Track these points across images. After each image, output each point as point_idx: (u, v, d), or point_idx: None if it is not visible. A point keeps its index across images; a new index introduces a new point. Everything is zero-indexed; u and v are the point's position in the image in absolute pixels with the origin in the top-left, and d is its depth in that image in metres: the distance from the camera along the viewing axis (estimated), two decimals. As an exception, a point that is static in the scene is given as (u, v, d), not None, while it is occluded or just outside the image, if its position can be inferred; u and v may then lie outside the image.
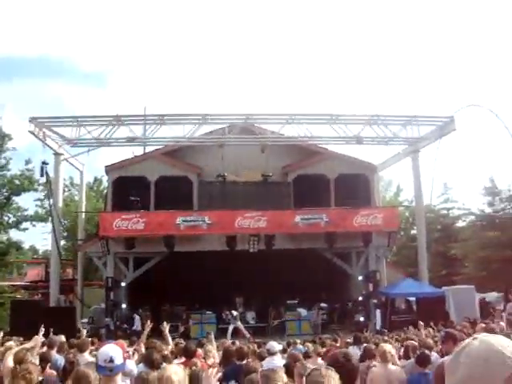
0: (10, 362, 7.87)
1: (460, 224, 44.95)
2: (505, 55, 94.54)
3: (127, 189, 24.51)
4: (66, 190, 41.99)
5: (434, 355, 8.05)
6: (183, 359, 8.65)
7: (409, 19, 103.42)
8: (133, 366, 7.66)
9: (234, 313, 23.21)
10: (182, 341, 13.49)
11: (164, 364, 5.26)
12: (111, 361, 4.47)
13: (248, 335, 21.66)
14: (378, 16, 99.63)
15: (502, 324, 13.95)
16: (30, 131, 24.41)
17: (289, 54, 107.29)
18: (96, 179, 50.35)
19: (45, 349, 11.88)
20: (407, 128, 26.84)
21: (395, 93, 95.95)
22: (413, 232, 40.21)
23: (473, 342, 1.50)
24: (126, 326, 23.22)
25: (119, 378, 4.62)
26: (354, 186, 25.62)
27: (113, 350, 4.57)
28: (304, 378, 3.23)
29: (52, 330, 15.62)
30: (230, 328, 22.52)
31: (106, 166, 26.84)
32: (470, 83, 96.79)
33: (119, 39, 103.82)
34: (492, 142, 73.63)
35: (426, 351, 7.86)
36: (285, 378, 4.05)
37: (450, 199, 44.63)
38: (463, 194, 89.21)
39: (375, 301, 24.41)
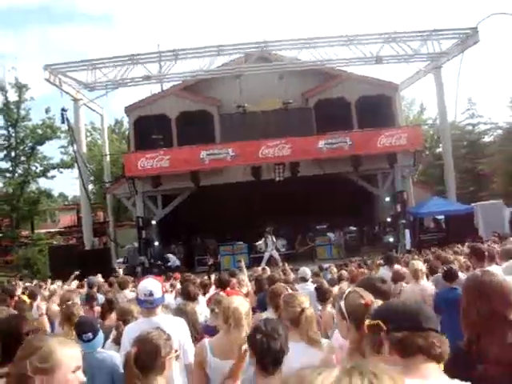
0: (55, 304, 8.13)
1: (487, 139, 44.36)
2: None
3: (149, 128, 24.46)
4: (89, 134, 42.21)
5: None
6: (218, 290, 8.81)
7: None
8: (171, 300, 7.87)
9: (273, 238, 23.37)
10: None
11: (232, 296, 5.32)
12: (151, 294, 4.63)
13: (281, 263, 21.96)
14: None
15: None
16: (45, 79, 24.37)
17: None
18: (117, 121, 50.50)
19: (85, 289, 12.32)
20: (428, 43, 26.10)
21: (413, 7, 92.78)
22: (438, 150, 39.80)
23: None
24: (160, 262, 23.66)
25: (159, 310, 4.77)
26: (376, 107, 25.18)
27: (152, 284, 4.72)
28: (342, 302, 3.21)
29: (89, 271, 16.19)
30: (266, 256, 22.81)
31: (126, 107, 26.76)
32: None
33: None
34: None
35: (453, 266, 7.89)
36: (306, 302, 4.07)
37: (476, 114, 43.84)
38: (489, 108, 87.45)
39: (404, 221, 24.39)
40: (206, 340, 4.22)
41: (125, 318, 5.05)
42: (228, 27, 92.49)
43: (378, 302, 3.02)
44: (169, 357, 3.32)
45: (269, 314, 5.35)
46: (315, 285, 8.66)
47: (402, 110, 31.08)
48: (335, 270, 13.82)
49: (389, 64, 27.13)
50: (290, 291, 5.09)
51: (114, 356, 4.40)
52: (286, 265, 15.47)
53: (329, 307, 6.88)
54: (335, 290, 7.99)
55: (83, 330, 4.55)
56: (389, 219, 25.08)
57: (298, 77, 25.78)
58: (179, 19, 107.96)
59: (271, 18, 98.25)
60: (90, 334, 4.52)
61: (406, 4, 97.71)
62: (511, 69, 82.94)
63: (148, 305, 4.66)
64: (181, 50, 25.06)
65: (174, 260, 23.95)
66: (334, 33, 29.12)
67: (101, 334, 4.71)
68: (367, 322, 2.27)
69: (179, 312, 5.86)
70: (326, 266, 15.57)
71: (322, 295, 7.12)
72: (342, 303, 3.18)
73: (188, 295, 7.21)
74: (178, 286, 10.90)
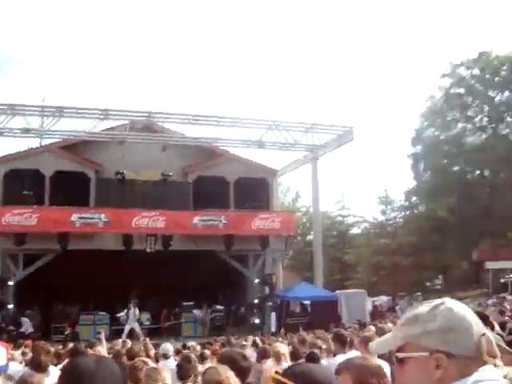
0: None
1: (354, 231, 46.75)
2: (404, 71, 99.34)
3: (20, 182, 23.40)
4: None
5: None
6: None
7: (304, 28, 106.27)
8: (18, 368, 7.28)
9: (136, 311, 22.59)
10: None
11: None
12: None
13: (142, 336, 21.25)
14: (280, 22, 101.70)
15: (390, 325, 14.52)
16: None
17: (191, 53, 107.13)
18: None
19: None
20: (308, 135, 27.43)
21: (297, 99, 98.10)
22: (309, 237, 41.29)
23: (445, 302, 1.63)
24: (12, 327, 22.05)
25: (0, 380, 4.36)
26: (254, 190, 25.92)
27: None
28: (199, 378, 3.19)
29: None
30: (127, 328, 21.98)
31: (-2, 157, 25.48)
32: (369, 98, 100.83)
33: (17, 24, 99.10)
34: (387, 154, 77.24)
35: (316, 350, 8.05)
36: (168, 379, 3.96)
37: (346, 207, 46.33)
38: (358, 202, 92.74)
39: (271, 303, 24.73)
40: None
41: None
42: (115, 92, 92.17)
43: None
44: None
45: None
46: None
47: (278, 195, 32.09)
48: (198, 348, 13.57)
49: (270, 150, 28.16)
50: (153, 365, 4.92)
51: None
52: (148, 339, 15.01)
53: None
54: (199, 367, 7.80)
55: None
56: (256, 301, 25.29)
57: (181, 151, 26.05)
58: (67, 76, 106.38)
59: (159, 89, 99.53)
60: None
61: (290, 94, 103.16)
62: (381, 169, 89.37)
63: None
64: (65, 108, 24.47)
65: (27, 326, 22.40)
66: (220, 113, 29.91)
67: None
68: (273, 373, 2.22)
69: (23, 382, 5.45)
70: (189, 343, 15.26)
71: (183, 372, 6.92)
72: (200, 379, 3.16)
73: (38, 365, 6.74)
74: (30, 354, 10.21)
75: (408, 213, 40.88)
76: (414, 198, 40.22)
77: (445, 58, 44.24)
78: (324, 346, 10.04)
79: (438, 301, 1.66)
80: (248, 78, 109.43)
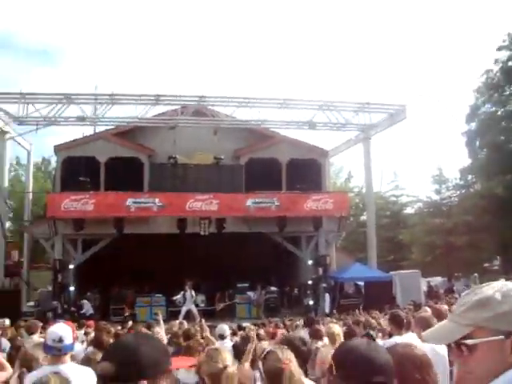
0: None
1: (408, 211, 46.05)
2: (456, 47, 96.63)
3: (76, 169, 23.92)
4: (12, 170, 40.85)
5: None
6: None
7: (363, 3, 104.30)
8: (80, 348, 7.51)
9: (192, 293, 22.93)
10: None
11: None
12: (60, 340, 4.30)
13: (198, 318, 21.58)
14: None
15: (446, 307, 14.29)
16: (-28, 107, 23.59)
17: (243, 36, 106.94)
18: (44, 159, 49.23)
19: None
20: (359, 115, 27.12)
21: (349, 79, 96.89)
22: (362, 218, 40.88)
23: (507, 284, 1.60)
24: (74, 309, 22.77)
25: (68, 358, 4.44)
26: (306, 171, 25.76)
27: (62, 330, 4.39)
28: (260, 362, 3.17)
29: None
30: (183, 310, 22.36)
31: (55, 146, 26.15)
32: (422, 75, 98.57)
33: (69, 16, 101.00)
34: (441, 131, 75.42)
35: (371, 331, 7.99)
36: (229, 360, 3.96)
37: (399, 186, 45.60)
38: (412, 181, 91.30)
39: (324, 285, 24.70)
40: None
41: (28, 364, 4.72)
42: (167, 77, 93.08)
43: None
44: None
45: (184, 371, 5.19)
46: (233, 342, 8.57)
47: (330, 175, 31.88)
48: (253, 329, 13.67)
49: (321, 130, 27.94)
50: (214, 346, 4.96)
51: None
52: (203, 321, 15.22)
53: (246, 365, 6.74)
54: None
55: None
56: (310, 282, 25.30)
57: (232, 134, 26.10)
58: (119, 64, 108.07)
59: (209, 73, 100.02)
60: None
61: (342, 74, 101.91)
62: (434, 147, 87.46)
63: (56, 352, 4.30)
64: (118, 95, 24.91)
65: (88, 307, 23.14)
66: (271, 95, 29.76)
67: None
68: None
69: (87, 361, 5.60)
70: (244, 324, 15.41)
71: (239, 353, 7.00)
72: (260, 364, 3.15)
73: (100, 344, 6.95)
74: (92, 334, 10.51)
75: (463, 191, 39.91)
76: (470, 177, 39.25)
77: (501, 29, 42.62)
78: (379, 327, 10.00)
79: (499, 283, 1.61)
80: (298, 58, 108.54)
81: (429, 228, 37.79)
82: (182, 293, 22.99)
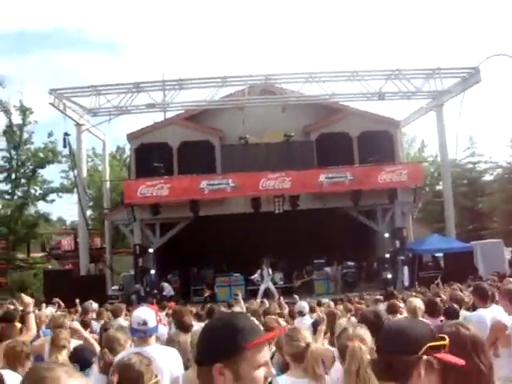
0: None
1: (487, 178, 44.44)
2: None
3: (150, 156, 24.53)
4: (90, 160, 42.26)
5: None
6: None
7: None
8: (163, 330, 7.72)
9: (269, 271, 23.14)
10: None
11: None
12: (144, 323, 4.48)
13: (277, 295, 21.77)
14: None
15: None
16: (50, 103, 24.51)
17: (306, 10, 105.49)
18: (118, 148, 50.64)
19: (77, 316, 12.19)
20: (430, 81, 26.33)
21: (417, 45, 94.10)
22: (438, 187, 39.87)
23: None
24: (156, 291, 23.43)
25: (153, 339, 4.61)
26: (378, 143, 25.29)
27: (146, 313, 4.58)
28: (335, 341, 3.18)
29: (84, 297, 16.08)
30: (261, 288, 22.60)
31: (128, 134, 26.84)
32: (494, 32, 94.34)
33: (132, 6, 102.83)
34: (517, 93, 71.92)
35: (455, 305, 7.79)
36: (309, 337, 3.98)
37: (476, 153, 43.99)
38: (489, 147, 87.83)
39: (402, 257, 24.31)
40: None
41: (111, 346, 4.88)
42: (232, 58, 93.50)
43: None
44: (150, 382, 3.22)
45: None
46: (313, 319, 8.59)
47: (403, 146, 31.18)
48: (332, 305, 13.65)
49: (391, 100, 27.33)
50: (284, 324, 5.00)
51: None
52: (282, 298, 15.33)
53: (324, 343, 6.74)
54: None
55: (76, 360, 4.45)
56: (387, 255, 24.95)
57: (301, 110, 25.92)
58: (184, 49, 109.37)
59: (275, 51, 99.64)
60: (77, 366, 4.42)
61: (409, 41, 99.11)
62: (510, 109, 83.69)
63: (141, 334, 4.51)
64: (185, 80, 25.25)
65: (169, 289, 23.74)
66: (337, 68, 29.24)
67: (93, 365, 4.62)
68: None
69: (171, 342, 5.76)
70: (323, 300, 15.40)
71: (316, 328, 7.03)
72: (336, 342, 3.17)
73: (182, 326, 7.11)
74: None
75: (546, 154, 38.16)
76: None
77: None
78: (466, 300, 9.72)
79: None
80: (363, 28, 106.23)
81: (510, 195, 36.38)
82: (260, 271, 23.21)
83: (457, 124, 37.43)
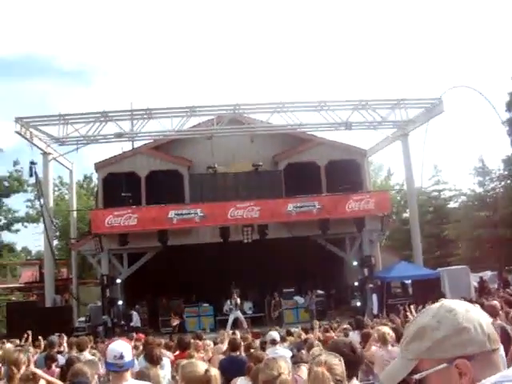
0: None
1: (452, 205, 45.18)
2: (490, 36, 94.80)
3: (118, 185, 24.35)
4: (56, 189, 41.86)
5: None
6: (177, 352, 8.72)
7: (394, 3, 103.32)
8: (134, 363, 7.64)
9: (238, 301, 23.03)
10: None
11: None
12: (121, 357, 4.40)
13: (246, 325, 21.68)
14: (364, 1, 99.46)
15: (496, 302, 13.98)
16: (16, 131, 24.17)
17: (275, 42, 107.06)
18: (86, 177, 50.23)
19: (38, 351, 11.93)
20: (395, 111, 26.88)
21: (382, 77, 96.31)
22: (405, 215, 40.39)
23: (443, 305, 1.53)
24: (123, 322, 23.12)
25: (128, 374, 4.55)
26: (345, 172, 25.62)
27: (123, 347, 4.51)
28: (307, 365, 3.23)
29: (49, 330, 15.78)
30: (231, 318, 22.48)
31: (96, 163, 26.66)
32: (456, 65, 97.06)
33: (102, 36, 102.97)
34: (480, 122, 73.85)
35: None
36: (285, 368, 4.02)
37: (441, 181, 44.80)
38: (454, 175, 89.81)
39: (371, 285, 24.46)
40: None
41: (77, 380, 4.81)
42: (200, 88, 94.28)
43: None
44: None
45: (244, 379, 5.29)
46: (286, 349, 8.58)
47: (370, 175, 31.61)
48: (303, 334, 13.64)
49: (358, 130, 27.79)
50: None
51: None
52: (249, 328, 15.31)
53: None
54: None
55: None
56: (356, 283, 25.11)
57: (269, 140, 26.18)
58: (152, 78, 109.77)
59: (244, 81, 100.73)
60: None
61: (375, 72, 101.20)
62: (474, 139, 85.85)
63: (117, 368, 4.41)
64: (153, 109, 25.25)
65: (137, 319, 23.42)
66: (305, 98, 29.55)
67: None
68: None
69: (143, 375, 5.71)
70: (293, 329, 15.37)
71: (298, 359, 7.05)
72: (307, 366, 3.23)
73: (151, 359, 7.05)
74: (141, 348, 10.68)
75: (508, 182, 38.94)
76: (514, 166, 38.27)
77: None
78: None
79: (436, 306, 1.54)
80: (330, 59, 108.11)
81: (475, 222, 36.96)
82: (229, 301, 23.11)
83: (422, 152, 38.28)
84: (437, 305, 1.55)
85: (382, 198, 26.83)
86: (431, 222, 41.23)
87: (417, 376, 1.47)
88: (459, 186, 45.40)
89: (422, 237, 28.87)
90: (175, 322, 23.49)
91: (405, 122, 27.00)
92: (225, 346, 10.11)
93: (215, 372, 3.83)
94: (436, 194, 44.82)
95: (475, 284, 26.99)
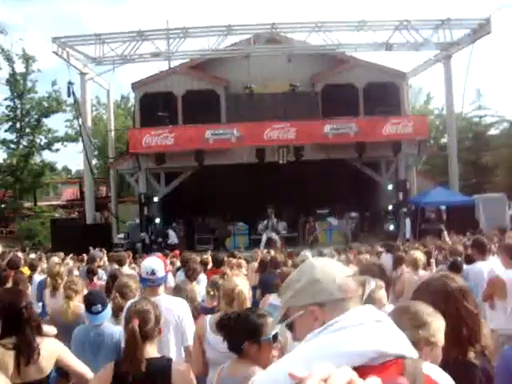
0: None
1: (493, 132, 44.09)
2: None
3: (155, 105, 24.38)
4: (94, 109, 42.20)
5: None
6: (212, 269, 8.99)
7: None
8: (170, 279, 7.93)
9: (274, 221, 23.42)
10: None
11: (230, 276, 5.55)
12: (153, 273, 4.59)
13: (280, 245, 22.04)
14: None
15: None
16: (53, 51, 24.25)
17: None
18: (123, 97, 50.45)
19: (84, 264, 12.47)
20: (439, 32, 25.95)
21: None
22: (443, 141, 39.67)
23: (307, 261, 1.85)
24: (160, 239, 23.74)
25: (162, 289, 4.74)
26: (384, 95, 25.06)
27: (155, 263, 4.69)
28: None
29: (90, 245, 16.46)
30: (264, 238, 22.88)
31: (133, 83, 26.65)
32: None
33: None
34: (527, 46, 70.60)
35: (459, 258, 7.94)
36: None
37: (483, 106, 43.52)
38: (497, 101, 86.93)
39: (405, 210, 24.43)
40: (208, 317, 4.27)
41: (122, 291, 5.06)
42: (238, 7, 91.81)
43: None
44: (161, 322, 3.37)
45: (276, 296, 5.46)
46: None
47: (409, 98, 30.91)
48: (335, 255, 13.84)
49: (398, 51, 27.01)
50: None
51: (122, 331, 4.16)
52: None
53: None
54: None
55: (93, 302, 4.58)
56: (390, 207, 25.10)
57: (307, 60, 25.67)
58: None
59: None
60: (99, 306, 4.55)
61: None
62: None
63: (150, 283, 4.64)
64: (190, 28, 24.96)
65: (173, 237, 24.00)
66: (344, 17, 28.63)
67: (109, 308, 4.76)
68: None
69: (178, 290, 5.92)
70: (325, 251, 15.59)
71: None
72: None
73: (188, 274, 7.29)
74: (178, 263, 11.02)
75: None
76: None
77: None
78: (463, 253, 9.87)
79: (305, 262, 1.83)
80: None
81: (515, 149, 36.21)
82: (265, 221, 23.46)
83: (464, 76, 36.95)
84: (306, 261, 1.85)
85: (421, 122, 26.31)
86: (470, 148, 40.45)
87: (283, 323, 1.77)
88: (502, 112, 44.22)
89: (459, 163, 28.49)
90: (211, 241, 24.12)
91: (448, 44, 26.11)
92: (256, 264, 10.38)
93: (244, 288, 4.04)
94: (477, 119, 43.70)
95: (511, 213, 26.64)
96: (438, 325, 2.22)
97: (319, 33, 25.06)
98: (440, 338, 2.23)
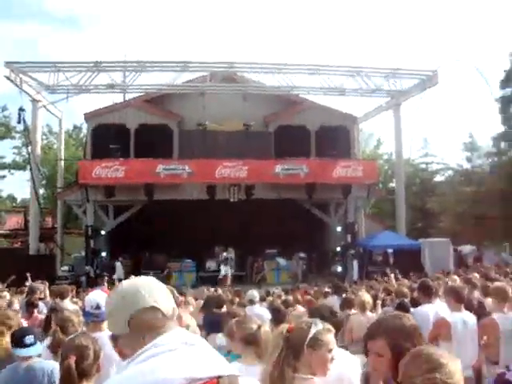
0: None
1: (438, 178, 45.41)
2: (489, 11, 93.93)
3: (107, 136, 24.12)
4: (44, 137, 41.36)
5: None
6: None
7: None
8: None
9: (231, 255, 23.35)
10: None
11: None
12: (98, 307, 4.42)
13: (229, 283, 21.91)
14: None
15: (476, 275, 14.17)
16: (5, 76, 23.81)
17: (274, 2, 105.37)
18: (75, 127, 49.65)
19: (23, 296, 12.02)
20: (390, 81, 26.79)
21: (379, 45, 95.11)
22: (391, 185, 40.52)
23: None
24: (106, 273, 23.21)
25: (105, 324, 4.59)
26: (335, 138, 25.59)
27: (99, 297, 4.54)
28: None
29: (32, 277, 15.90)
30: (223, 271, 22.86)
31: (86, 113, 26.42)
32: (454, 39, 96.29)
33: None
34: (473, 98, 73.80)
35: (405, 299, 8.03)
36: (258, 322, 4.04)
37: (430, 154, 44.91)
38: (443, 149, 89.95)
39: (353, 252, 24.70)
40: None
41: (64, 325, 4.86)
42: (195, 44, 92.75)
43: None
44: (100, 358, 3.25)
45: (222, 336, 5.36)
46: (264, 308, 8.68)
47: (359, 142, 31.62)
48: (282, 295, 13.80)
49: (351, 96, 27.67)
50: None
51: (55, 367, 3.92)
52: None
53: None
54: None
55: (25, 333, 4.36)
56: (338, 249, 25.36)
57: (262, 100, 26.03)
58: (147, 30, 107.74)
59: (239, 39, 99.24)
60: (31, 337, 4.33)
61: (372, 40, 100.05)
62: (465, 114, 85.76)
63: (94, 318, 4.46)
64: (146, 62, 25.01)
65: (120, 271, 23.51)
66: (300, 61, 29.18)
67: (42, 344, 4.55)
68: None
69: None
70: (272, 290, 15.55)
71: (278, 317, 7.07)
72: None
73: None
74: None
75: (495, 159, 39.06)
76: (503, 144, 38.34)
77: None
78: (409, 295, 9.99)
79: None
80: (328, 23, 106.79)
81: (460, 197, 37.26)
82: (220, 257, 23.47)
83: (413, 124, 38.15)
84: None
85: (370, 166, 26.93)
86: (417, 194, 41.49)
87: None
88: (447, 160, 45.66)
89: (406, 208, 29.09)
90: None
91: (398, 92, 26.96)
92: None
93: (192, 325, 3.95)
94: (424, 166, 45.02)
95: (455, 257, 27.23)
96: (454, 366, 2.10)
97: (275, 74, 25.48)
98: (458, 380, 2.08)
